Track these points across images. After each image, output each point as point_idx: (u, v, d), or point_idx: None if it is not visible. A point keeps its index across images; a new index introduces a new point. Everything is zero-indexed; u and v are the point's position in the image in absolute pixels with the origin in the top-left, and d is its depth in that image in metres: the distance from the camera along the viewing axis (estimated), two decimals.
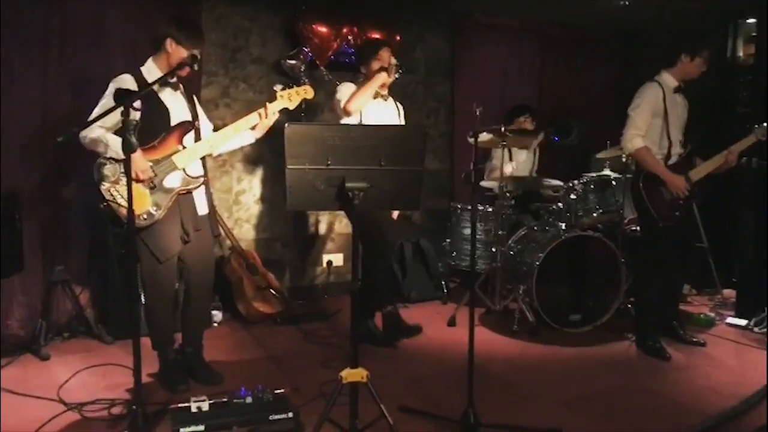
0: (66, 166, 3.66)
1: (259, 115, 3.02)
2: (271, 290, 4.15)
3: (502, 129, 3.88)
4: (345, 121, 3.47)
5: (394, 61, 3.56)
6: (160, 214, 2.81)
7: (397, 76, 3.55)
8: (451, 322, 4.09)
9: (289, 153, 2.29)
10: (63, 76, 3.66)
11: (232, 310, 4.11)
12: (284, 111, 3.12)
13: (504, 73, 5.37)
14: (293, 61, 4.32)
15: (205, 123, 3.14)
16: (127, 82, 2.80)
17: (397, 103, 3.76)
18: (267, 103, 3.03)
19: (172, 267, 2.93)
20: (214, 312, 3.95)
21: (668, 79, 3.53)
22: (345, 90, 3.53)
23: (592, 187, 4.18)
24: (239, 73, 4.35)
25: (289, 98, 3.09)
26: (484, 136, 3.98)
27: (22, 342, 3.49)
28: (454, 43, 5.12)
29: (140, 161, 2.73)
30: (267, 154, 4.45)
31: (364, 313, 3.59)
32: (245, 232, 4.51)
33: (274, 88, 3.12)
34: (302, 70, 4.34)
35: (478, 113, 2.77)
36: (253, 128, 3.06)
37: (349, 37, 4.46)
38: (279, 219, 4.62)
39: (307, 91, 3.14)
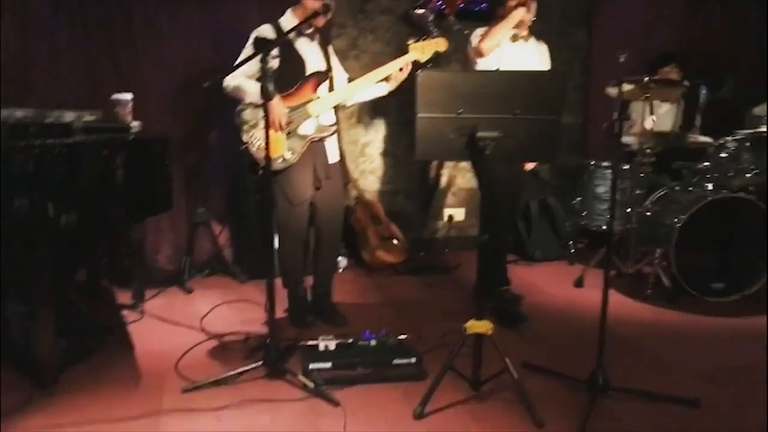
0: (209, 114, 3.89)
1: (392, 67, 3.00)
2: (394, 240, 4.21)
3: (646, 79, 3.59)
4: (479, 63, 3.22)
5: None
6: (295, 158, 2.92)
7: (532, 17, 3.20)
8: (579, 283, 3.93)
9: (421, 100, 2.25)
10: (205, 33, 3.86)
11: (356, 257, 4.23)
12: (414, 63, 3.07)
13: (648, 20, 4.90)
14: (421, 11, 4.24)
15: (340, 73, 3.19)
16: (266, 31, 2.91)
17: (540, 42, 3.40)
18: (400, 57, 3.00)
19: (304, 211, 3.04)
20: (339, 258, 4.08)
21: None
22: (478, 32, 3.26)
23: (747, 145, 3.75)
24: (368, 24, 4.35)
25: (422, 50, 3.03)
26: (624, 87, 3.69)
27: (169, 275, 3.83)
28: None
29: (279, 106, 2.83)
30: (393, 107, 4.45)
31: (492, 280, 3.31)
32: (370, 183, 4.58)
33: (407, 42, 3.07)
34: (430, 20, 4.25)
35: (622, 59, 2.56)
36: (386, 80, 3.06)
37: None
38: (402, 172, 4.64)
39: (439, 44, 3.05)
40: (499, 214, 3.26)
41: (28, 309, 2.44)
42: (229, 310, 3.42)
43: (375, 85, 3.07)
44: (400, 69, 3.01)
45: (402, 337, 2.75)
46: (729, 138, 3.80)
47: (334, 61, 3.18)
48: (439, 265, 4.29)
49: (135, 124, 2.98)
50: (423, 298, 3.72)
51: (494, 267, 3.35)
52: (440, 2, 4.25)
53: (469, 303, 3.46)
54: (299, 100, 2.92)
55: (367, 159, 4.56)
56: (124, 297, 3.48)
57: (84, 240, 2.74)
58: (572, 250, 4.48)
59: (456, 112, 2.25)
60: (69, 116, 2.71)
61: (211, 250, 4.01)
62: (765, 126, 3.84)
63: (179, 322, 3.20)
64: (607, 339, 2.43)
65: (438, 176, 4.78)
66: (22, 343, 2.53)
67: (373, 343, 2.70)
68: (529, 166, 3.56)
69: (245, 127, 2.90)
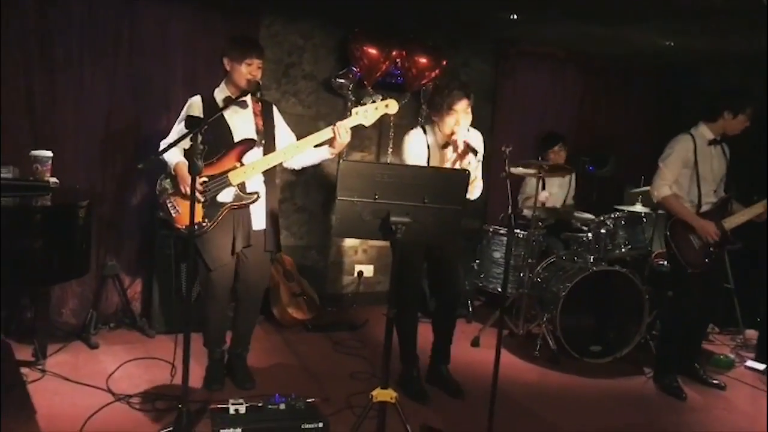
0: (126, 168, 3.92)
1: (333, 131, 3.02)
2: (305, 297, 4.34)
3: (539, 162, 4.03)
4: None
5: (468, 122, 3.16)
6: (210, 226, 3.01)
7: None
8: (475, 343, 4.24)
9: (341, 185, 2.46)
10: (128, 83, 3.90)
11: (266, 313, 4.30)
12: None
13: (544, 101, 5.47)
14: (342, 80, 4.50)
15: (285, 135, 3.25)
16: (195, 106, 3.05)
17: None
18: (338, 122, 3.03)
19: (225, 274, 3.12)
20: None
21: (705, 131, 3.57)
22: (413, 146, 3.21)
23: (623, 222, 4.27)
24: (290, 88, 4.55)
25: (365, 115, 3.01)
26: (518, 170, 4.17)
27: (74, 330, 3.75)
28: (497, 69, 5.24)
29: (186, 176, 2.90)
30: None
31: (442, 355, 3.51)
32: (283, 239, 4.68)
33: (350, 107, 3.06)
34: (350, 88, 4.52)
35: (507, 153, 2.86)
36: (331, 145, 3.09)
37: (398, 60, 4.62)
38: (315, 227, 4.81)
39: (389, 105, 3.02)
40: (448, 290, 3.46)
41: None
42: (136, 367, 3.40)
43: (320, 149, 3.13)
44: (340, 135, 3.00)
45: (310, 400, 2.88)
46: (608, 216, 4.30)
47: (279, 123, 3.25)
48: (348, 321, 4.45)
49: (53, 181, 2.98)
50: (331, 357, 3.85)
51: (445, 343, 3.50)
52: (360, 73, 4.52)
53: (374, 363, 3.65)
54: (221, 169, 3.02)
55: (282, 214, 4.69)
56: (23, 353, 3.36)
57: None
58: (470, 309, 4.80)
59: (372, 198, 2.48)
60: None
61: (118, 303, 3.96)
62: (639, 204, 4.40)
63: (84, 382, 3.14)
64: (498, 400, 2.69)
65: None
66: None
67: (282, 406, 2.79)
68: None
69: (164, 195, 3.01)
